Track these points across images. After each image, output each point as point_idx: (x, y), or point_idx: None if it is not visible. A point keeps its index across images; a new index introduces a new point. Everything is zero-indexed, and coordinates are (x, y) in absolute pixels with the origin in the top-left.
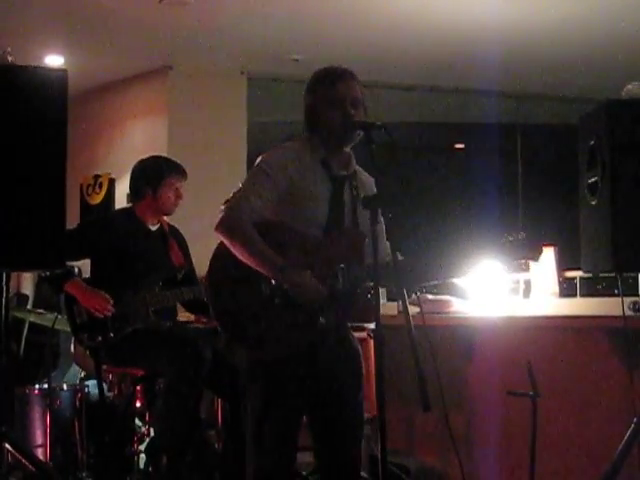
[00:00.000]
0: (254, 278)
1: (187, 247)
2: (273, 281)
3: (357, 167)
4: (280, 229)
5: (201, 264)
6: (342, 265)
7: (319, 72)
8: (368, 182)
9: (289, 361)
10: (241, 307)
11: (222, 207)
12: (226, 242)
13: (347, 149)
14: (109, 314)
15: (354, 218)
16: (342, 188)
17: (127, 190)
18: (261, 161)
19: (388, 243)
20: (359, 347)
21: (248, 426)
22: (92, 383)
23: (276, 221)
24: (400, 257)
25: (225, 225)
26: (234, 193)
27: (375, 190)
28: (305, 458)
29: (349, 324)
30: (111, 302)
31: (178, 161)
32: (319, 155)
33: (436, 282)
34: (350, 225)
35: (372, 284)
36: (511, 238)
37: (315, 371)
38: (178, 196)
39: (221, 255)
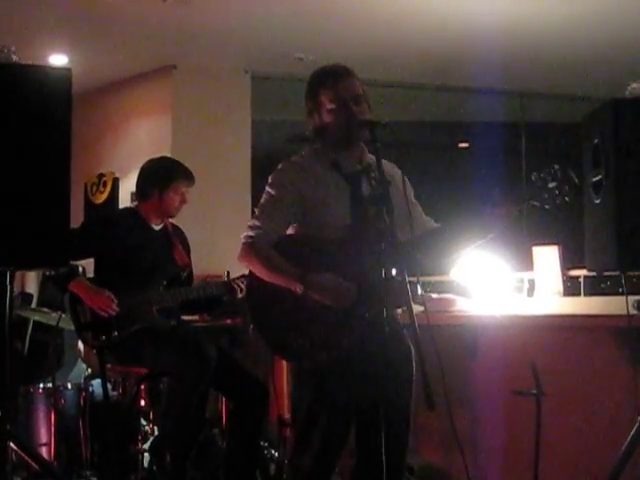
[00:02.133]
0: (288, 294)
1: (189, 247)
2: (299, 290)
3: (371, 157)
4: (300, 241)
5: (204, 261)
6: (370, 255)
7: (317, 73)
8: (388, 169)
9: (338, 363)
10: (283, 319)
11: (242, 237)
12: (251, 269)
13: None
14: (113, 313)
15: (379, 210)
16: (359, 183)
17: (131, 189)
18: (268, 185)
19: (428, 218)
20: (408, 341)
21: (296, 428)
22: (96, 382)
23: (296, 235)
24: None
25: (244, 254)
26: (251, 222)
27: (396, 171)
28: None
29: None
30: (115, 301)
31: (182, 160)
32: (328, 159)
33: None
34: (373, 217)
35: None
36: (542, 174)
37: (365, 369)
38: (183, 201)
39: (255, 281)
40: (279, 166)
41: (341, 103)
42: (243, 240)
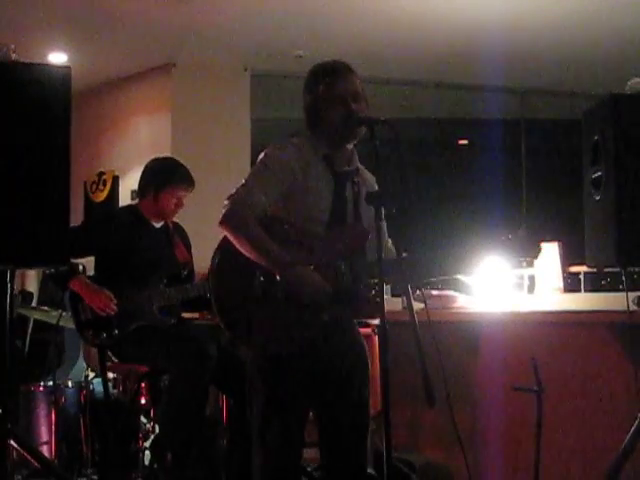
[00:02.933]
0: (254, 274)
1: (190, 245)
2: (278, 277)
3: (359, 164)
4: (282, 225)
5: (204, 260)
6: (345, 261)
7: (316, 69)
8: (370, 179)
9: (292, 357)
10: (243, 304)
11: (225, 202)
12: (230, 237)
13: (350, 145)
14: (112, 312)
15: (356, 214)
16: (344, 184)
17: (131, 187)
18: (264, 157)
19: (390, 240)
20: (364, 341)
21: (253, 423)
22: (97, 380)
23: (279, 217)
24: (404, 254)
25: (229, 220)
26: (237, 188)
27: (376, 187)
28: (310, 454)
29: (354, 320)
30: (114, 300)
31: (182, 158)
32: (321, 151)
33: (439, 278)
34: (352, 221)
35: (377, 280)
36: (510, 236)
37: (319, 367)
38: (178, 205)
39: (223, 251)
40: (276, 143)
41: (340, 100)
42: (229, 203)
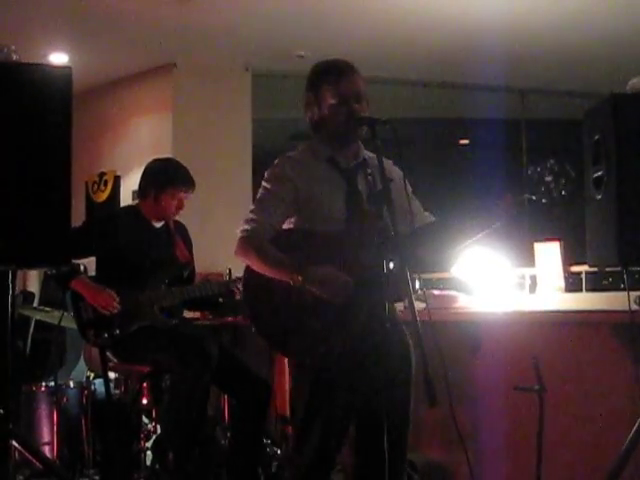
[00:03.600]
0: (286, 287)
1: (191, 245)
2: (292, 282)
3: (368, 154)
4: (297, 235)
5: (206, 259)
6: (367, 248)
7: (320, 67)
8: (385, 165)
9: (338, 360)
10: (281, 317)
11: (237, 232)
12: (247, 263)
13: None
14: (115, 311)
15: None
16: (355, 179)
17: (132, 187)
18: (264, 180)
19: (427, 213)
20: (408, 339)
21: (295, 426)
22: (98, 381)
23: (292, 229)
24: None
25: (241, 248)
26: (246, 217)
27: (393, 170)
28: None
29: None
30: (117, 299)
31: (183, 158)
32: (324, 154)
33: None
34: (369, 211)
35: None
36: (539, 168)
37: (362, 367)
38: (179, 206)
39: (252, 274)
40: (275, 161)
41: (342, 99)
42: (240, 234)
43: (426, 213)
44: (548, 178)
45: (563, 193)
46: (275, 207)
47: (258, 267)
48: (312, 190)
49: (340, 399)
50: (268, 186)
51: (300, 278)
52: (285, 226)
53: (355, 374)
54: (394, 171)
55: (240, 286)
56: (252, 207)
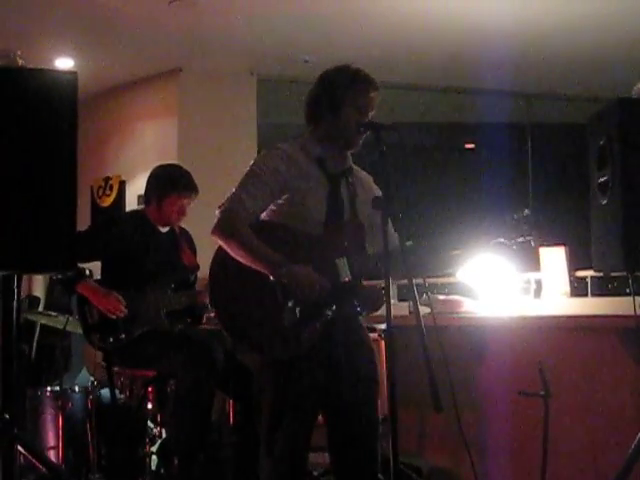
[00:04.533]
0: (254, 279)
1: (195, 251)
2: (271, 277)
3: (352, 164)
4: (278, 229)
5: (209, 264)
6: (343, 257)
7: (349, 71)
8: (364, 177)
9: (297, 360)
10: (244, 309)
11: (217, 212)
12: (223, 244)
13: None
14: (121, 315)
15: (353, 212)
16: (339, 184)
17: (138, 192)
18: (253, 164)
19: (396, 234)
20: (371, 341)
21: (261, 427)
22: (104, 391)
23: (274, 222)
24: (408, 242)
25: (221, 228)
26: (227, 197)
27: (373, 186)
28: (316, 458)
29: (359, 316)
30: (123, 302)
31: (188, 163)
32: (314, 153)
33: (443, 270)
34: (349, 218)
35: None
36: (516, 216)
37: (325, 367)
38: (181, 213)
39: (221, 259)
40: (264, 151)
41: (363, 111)
42: (220, 213)
43: (395, 234)
44: (525, 226)
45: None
46: (260, 194)
47: (236, 253)
48: (298, 186)
49: (302, 402)
50: (256, 171)
51: (280, 273)
52: (263, 216)
53: (314, 375)
54: (373, 188)
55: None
56: (236, 188)
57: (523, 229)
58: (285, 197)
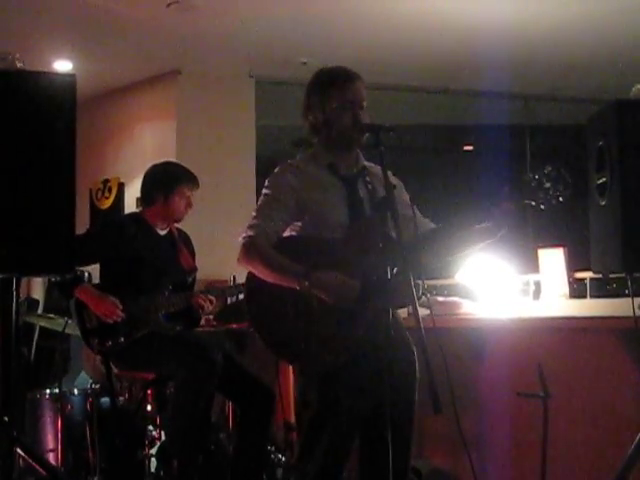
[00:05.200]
0: (290, 292)
1: (194, 252)
2: (298, 287)
3: (368, 163)
4: (299, 242)
5: (209, 266)
6: (368, 254)
7: (327, 72)
8: (380, 173)
9: (345, 368)
10: (287, 324)
11: (240, 239)
12: (251, 269)
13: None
14: (118, 319)
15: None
16: (355, 186)
17: (136, 194)
18: (265, 187)
19: (427, 220)
20: (407, 335)
21: (303, 435)
22: (104, 399)
23: (294, 236)
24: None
25: (244, 255)
26: (248, 224)
27: (395, 179)
28: None
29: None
30: (120, 307)
31: (187, 165)
32: (324, 161)
33: (478, 243)
34: (372, 218)
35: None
36: (536, 175)
37: (371, 371)
38: (188, 205)
39: (255, 282)
40: (276, 168)
41: (348, 105)
42: (242, 241)
43: (426, 220)
44: (547, 184)
45: (561, 199)
46: (277, 213)
47: (263, 274)
48: (314, 197)
49: (348, 406)
50: (269, 193)
51: (307, 283)
52: (288, 233)
53: (362, 381)
54: (394, 180)
55: (204, 301)
56: (254, 214)
57: (545, 188)
58: (303, 210)
